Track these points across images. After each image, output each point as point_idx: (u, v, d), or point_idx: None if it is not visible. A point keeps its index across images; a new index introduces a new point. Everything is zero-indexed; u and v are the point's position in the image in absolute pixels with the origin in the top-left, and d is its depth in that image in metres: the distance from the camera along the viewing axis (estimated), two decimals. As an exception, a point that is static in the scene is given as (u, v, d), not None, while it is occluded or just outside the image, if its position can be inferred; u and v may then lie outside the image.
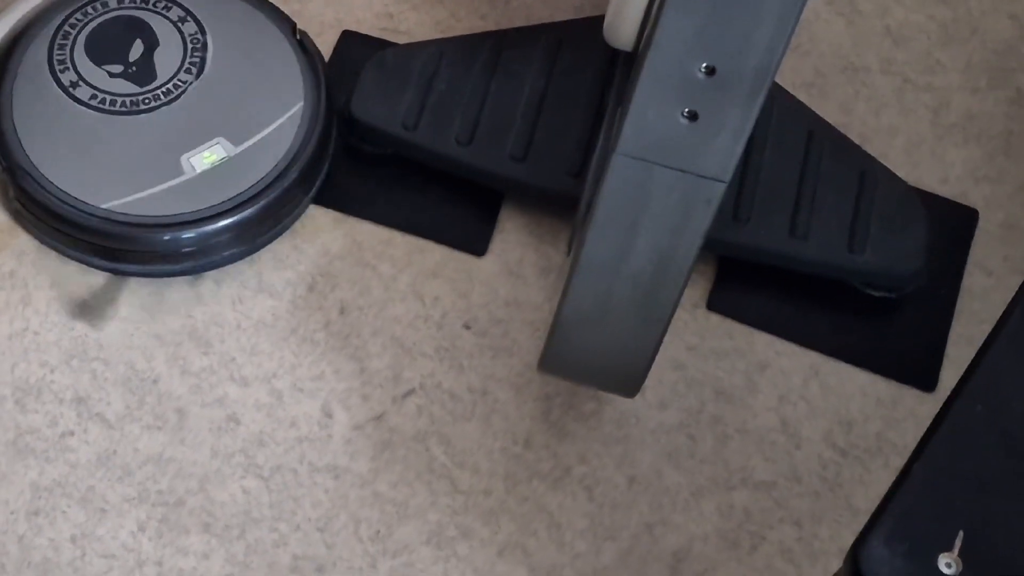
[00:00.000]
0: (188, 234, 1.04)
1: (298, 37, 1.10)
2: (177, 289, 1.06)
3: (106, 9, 1.11)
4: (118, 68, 1.07)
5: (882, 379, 1.05)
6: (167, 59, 1.09)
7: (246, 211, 1.05)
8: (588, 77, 1.09)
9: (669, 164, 0.79)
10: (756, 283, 1.08)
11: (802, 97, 1.10)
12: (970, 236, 1.11)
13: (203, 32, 1.09)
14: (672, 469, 1.01)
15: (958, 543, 0.66)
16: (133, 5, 1.11)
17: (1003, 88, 1.17)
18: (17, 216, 1.07)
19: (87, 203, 1.04)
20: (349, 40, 1.16)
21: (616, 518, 0.99)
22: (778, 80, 1.09)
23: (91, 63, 1.08)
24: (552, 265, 1.08)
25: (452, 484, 1.00)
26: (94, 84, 1.07)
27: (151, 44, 1.09)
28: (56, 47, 1.09)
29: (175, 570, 0.96)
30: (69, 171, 1.05)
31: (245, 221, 1.05)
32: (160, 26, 1.10)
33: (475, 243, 1.09)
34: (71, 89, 1.07)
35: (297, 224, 1.08)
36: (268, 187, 1.05)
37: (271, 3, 1.12)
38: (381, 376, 1.03)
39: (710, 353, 1.05)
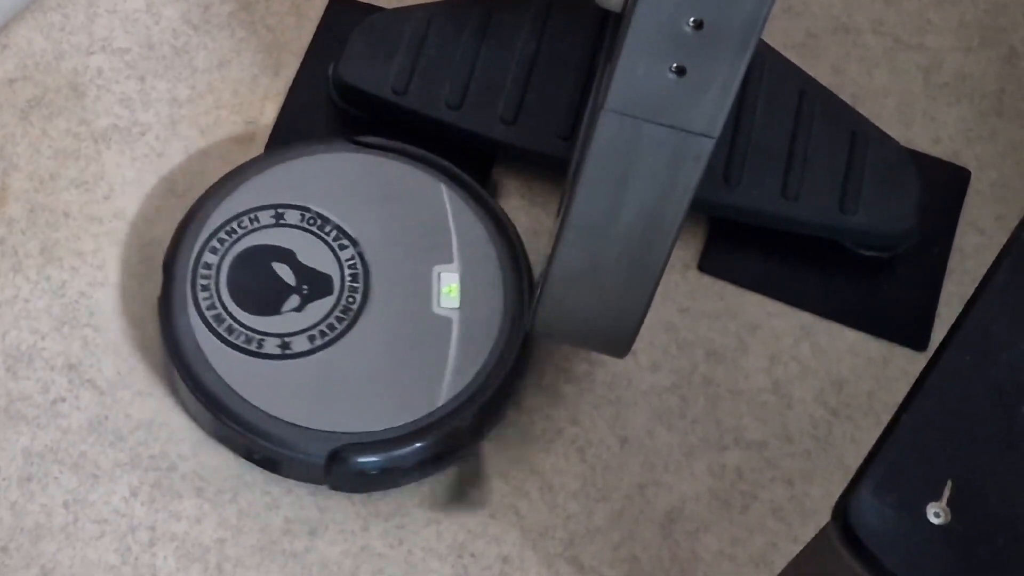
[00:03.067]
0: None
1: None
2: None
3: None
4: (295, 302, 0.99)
5: (873, 338, 1.05)
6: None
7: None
8: (578, 40, 1.08)
9: (657, 120, 0.79)
10: (747, 244, 1.07)
11: (793, 58, 1.10)
12: (962, 195, 1.10)
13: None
14: (664, 430, 1.01)
15: (947, 492, 0.66)
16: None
17: (995, 47, 1.17)
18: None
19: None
20: (337, 5, 1.15)
21: (608, 479, 0.99)
22: (769, 41, 1.09)
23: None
24: (543, 228, 1.07)
25: (444, 447, 1.00)
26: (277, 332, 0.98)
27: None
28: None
29: (168, 534, 0.96)
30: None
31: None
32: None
33: (466, 207, 1.08)
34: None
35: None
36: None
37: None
38: (372, 340, 1.03)
39: (701, 314, 1.05)
